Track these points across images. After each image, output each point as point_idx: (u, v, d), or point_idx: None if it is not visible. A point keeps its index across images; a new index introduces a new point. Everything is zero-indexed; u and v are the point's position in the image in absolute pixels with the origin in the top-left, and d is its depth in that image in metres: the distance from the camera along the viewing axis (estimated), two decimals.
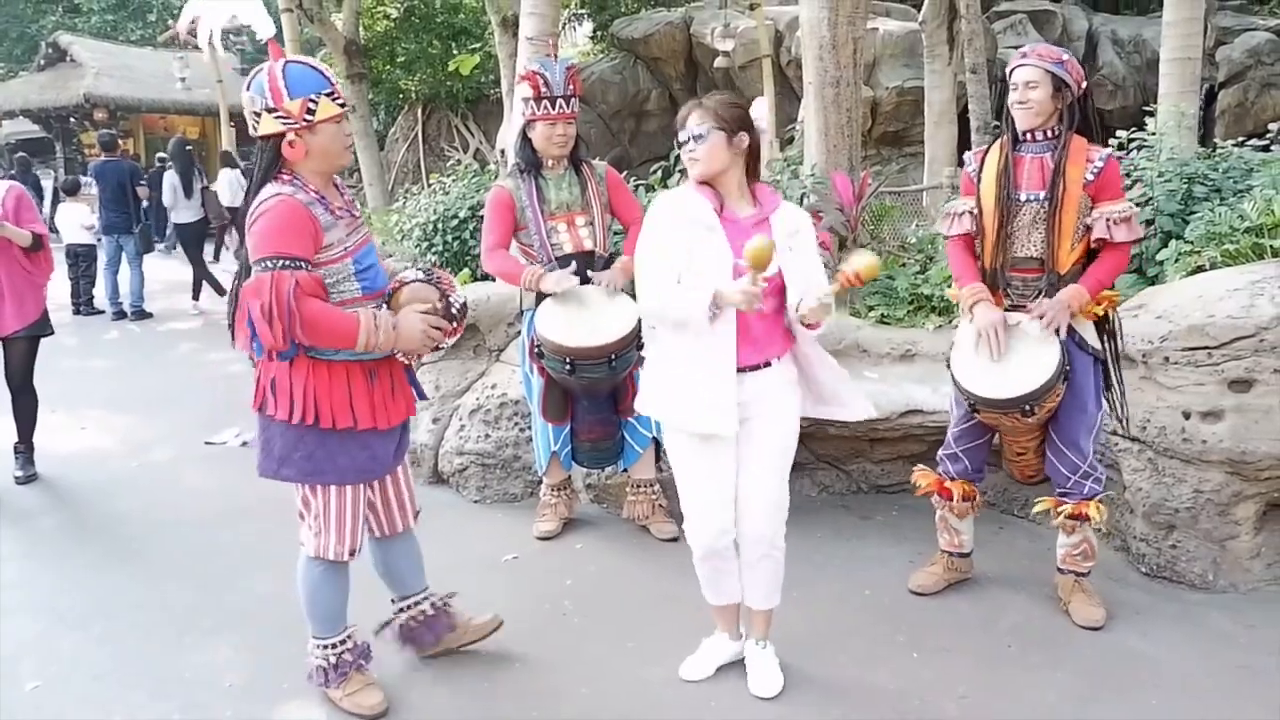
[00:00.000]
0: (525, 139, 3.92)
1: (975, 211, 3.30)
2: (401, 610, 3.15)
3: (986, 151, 3.34)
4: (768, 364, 2.81)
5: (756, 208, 2.80)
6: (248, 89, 2.64)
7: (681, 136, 2.77)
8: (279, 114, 2.59)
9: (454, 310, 2.77)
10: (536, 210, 3.86)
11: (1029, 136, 3.21)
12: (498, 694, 3.04)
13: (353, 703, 2.89)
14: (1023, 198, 3.21)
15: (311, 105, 2.61)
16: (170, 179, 11.01)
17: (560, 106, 3.80)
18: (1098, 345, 3.28)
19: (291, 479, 2.76)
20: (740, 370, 2.74)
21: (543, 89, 3.78)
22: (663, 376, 2.83)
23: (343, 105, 2.70)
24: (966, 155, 3.48)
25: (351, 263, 2.70)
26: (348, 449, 2.73)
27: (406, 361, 2.85)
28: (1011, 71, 3.22)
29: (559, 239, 3.87)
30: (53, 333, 5.25)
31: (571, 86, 3.83)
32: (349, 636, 2.95)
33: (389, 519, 3.01)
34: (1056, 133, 3.18)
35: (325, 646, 2.92)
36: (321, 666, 2.92)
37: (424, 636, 3.15)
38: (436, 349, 2.80)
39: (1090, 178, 3.14)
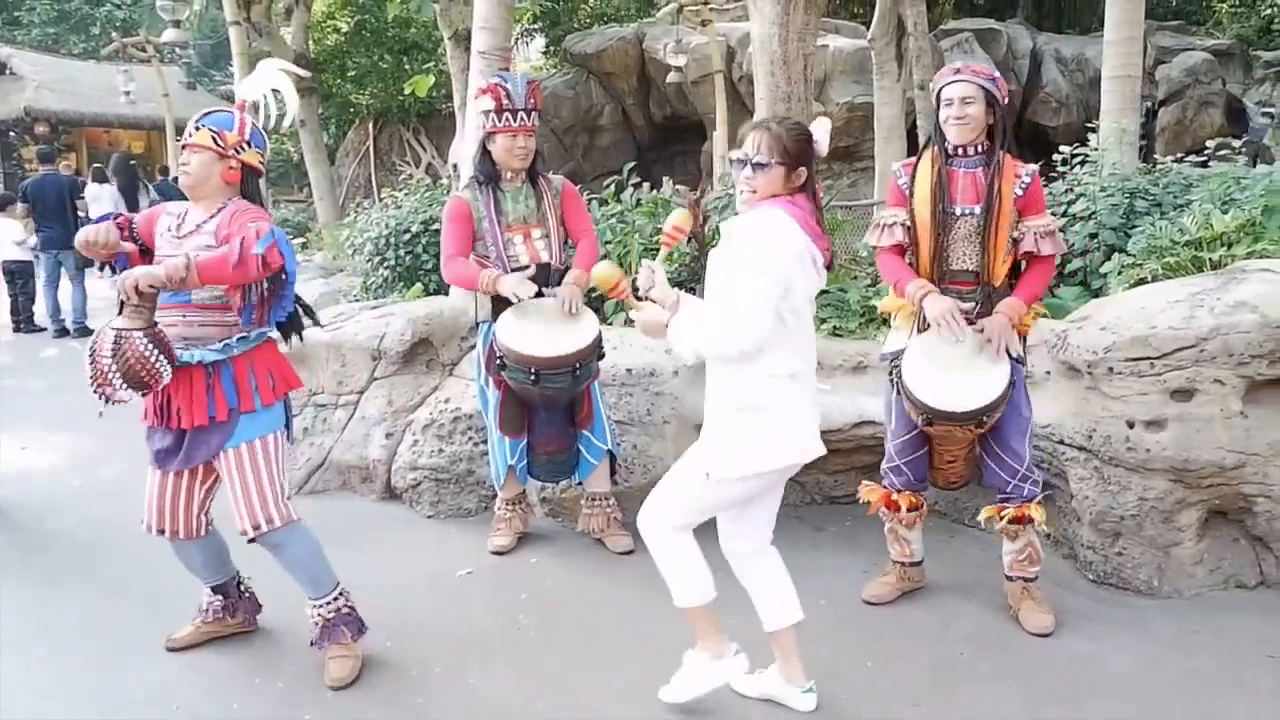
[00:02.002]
0: (484, 151, 3.92)
1: (908, 224, 3.35)
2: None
3: (916, 164, 3.38)
4: None
5: None
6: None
7: (736, 156, 2.68)
8: None
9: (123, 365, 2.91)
10: (494, 222, 3.86)
11: (961, 151, 3.27)
12: (451, 711, 3.01)
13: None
14: (958, 211, 3.27)
15: None
16: (111, 193, 10.82)
17: (521, 119, 3.81)
18: (1021, 352, 3.35)
19: None
20: None
21: (504, 101, 3.79)
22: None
23: (181, 142, 3.22)
24: (895, 166, 3.51)
25: None
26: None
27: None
28: (943, 88, 3.26)
29: (515, 251, 3.88)
30: None
31: (532, 100, 3.85)
32: (207, 592, 3.45)
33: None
34: (985, 148, 3.26)
35: None
36: None
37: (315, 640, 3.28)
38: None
39: (1020, 192, 3.26)
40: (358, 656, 3.24)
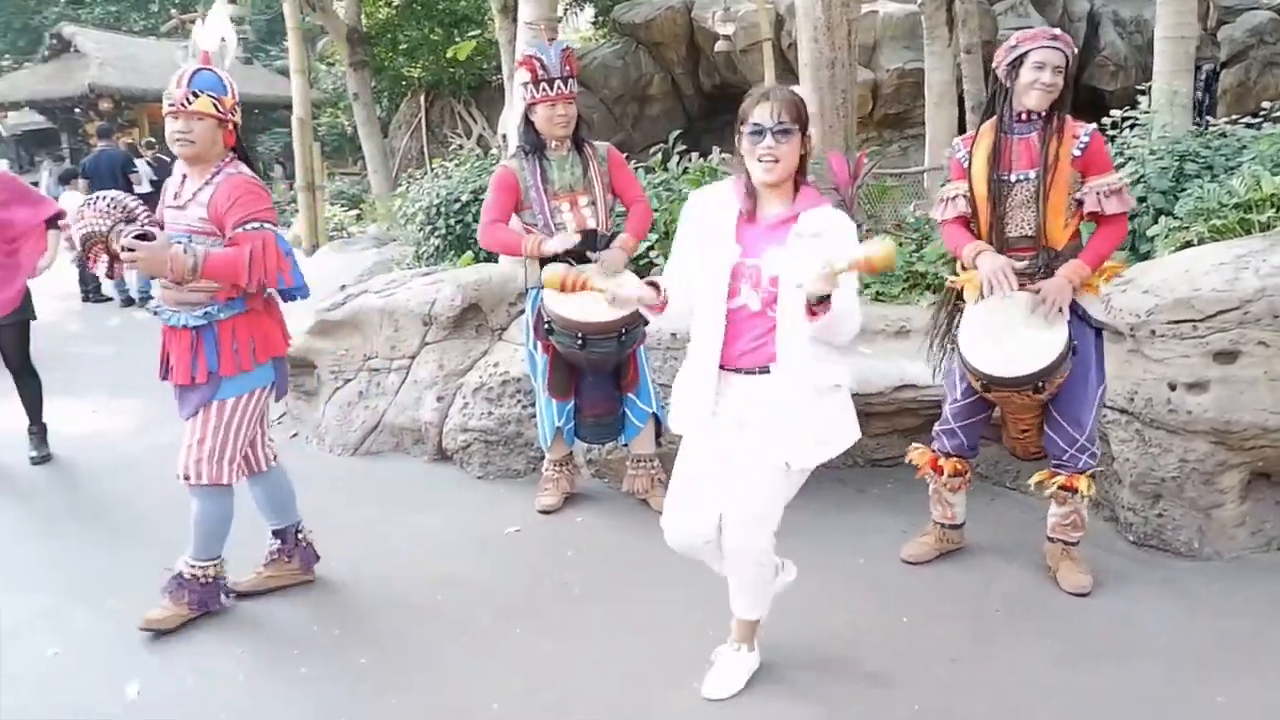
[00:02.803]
0: (528, 122, 4.01)
1: (969, 195, 3.36)
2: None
3: (975, 137, 3.38)
4: (765, 370, 2.65)
5: (789, 208, 2.65)
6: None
7: (751, 127, 2.60)
8: None
9: (79, 240, 3.18)
10: (540, 190, 3.95)
11: (1023, 118, 3.25)
12: (500, 662, 3.14)
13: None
14: (1013, 178, 3.25)
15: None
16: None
17: (558, 87, 3.88)
18: (1101, 318, 3.34)
19: None
20: (734, 371, 2.68)
21: (540, 72, 3.86)
22: (680, 373, 2.83)
23: (170, 105, 3.17)
24: (955, 141, 3.51)
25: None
26: None
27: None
28: (1033, 50, 3.18)
29: (562, 218, 3.96)
30: (34, 317, 5.25)
31: (568, 68, 3.91)
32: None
33: None
34: (1045, 112, 3.23)
35: None
36: None
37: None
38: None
39: (1077, 153, 3.21)
40: (178, 615, 3.34)
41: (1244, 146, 4.93)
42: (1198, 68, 9.00)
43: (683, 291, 2.71)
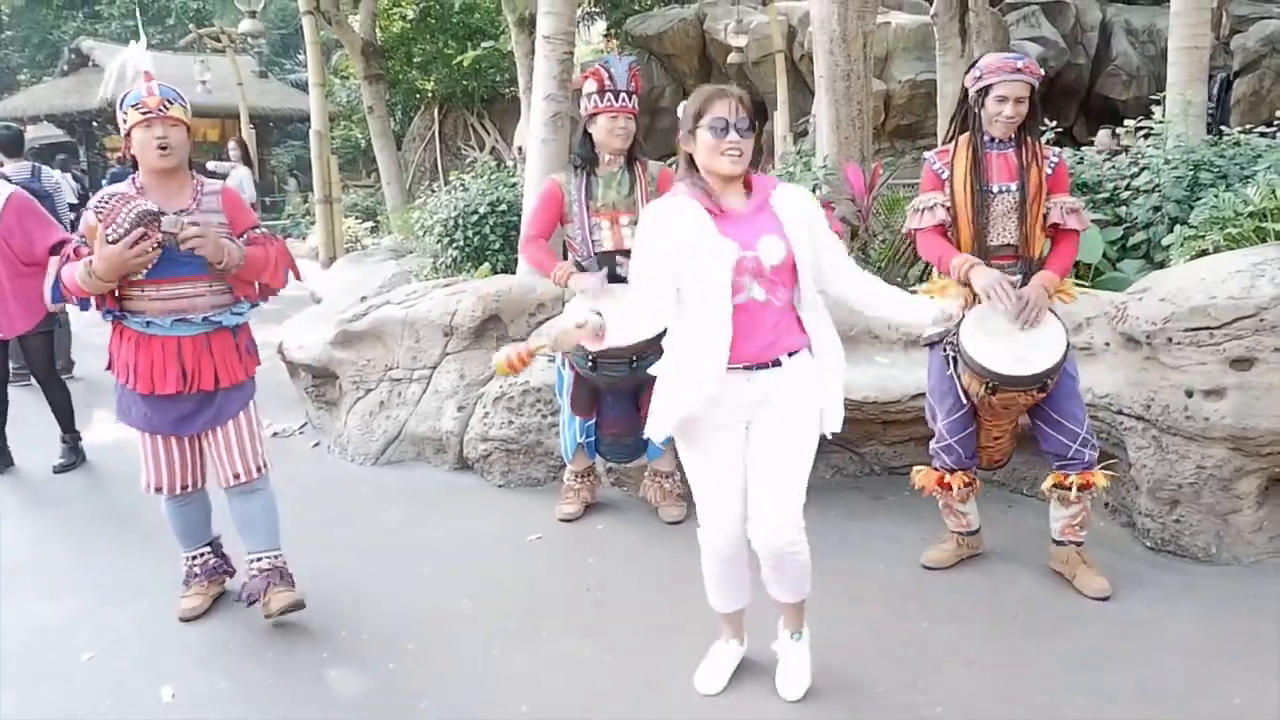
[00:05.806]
0: (585, 135, 4.06)
1: (948, 205, 3.46)
2: (250, 562, 3.54)
3: (953, 150, 3.47)
4: (777, 362, 2.68)
5: (750, 197, 2.69)
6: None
7: (714, 121, 2.57)
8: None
9: (130, 222, 3.01)
10: (583, 206, 4.01)
11: (995, 139, 3.41)
12: (527, 662, 3.19)
13: (180, 605, 3.54)
14: (995, 189, 3.39)
15: (124, 117, 3.14)
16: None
17: (622, 100, 3.97)
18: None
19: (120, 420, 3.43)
20: (746, 368, 2.66)
21: (606, 82, 3.95)
22: (664, 385, 2.74)
23: (145, 114, 3.09)
24: (929, 155, 3.61)
25: None
26: (135, 403, 3.31)
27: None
28: (995, 84, 3.30)
29: (600, 236, 4.02)
30: (61, 326, 5.29)
31: (633, 83, 4.01)
32: (197, 556, 3.60)
33: (220, 473, 3.44)
34: (1015, 132, 3.40)
35: (184, 558, 3.61)
36: (183, 572, 3.61)
37: (255, 590, 3.47)
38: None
39: (1050, 171, 3.44)
40: (299, 593, 3.46)
41: (1259, 155, 4.97)
42: (1211, 76, 9.03)
43: (654, 309, 2.66)
